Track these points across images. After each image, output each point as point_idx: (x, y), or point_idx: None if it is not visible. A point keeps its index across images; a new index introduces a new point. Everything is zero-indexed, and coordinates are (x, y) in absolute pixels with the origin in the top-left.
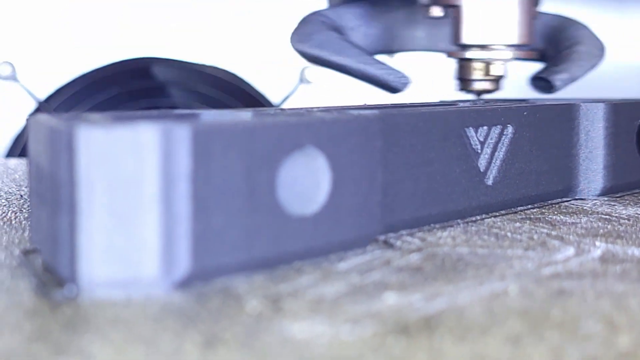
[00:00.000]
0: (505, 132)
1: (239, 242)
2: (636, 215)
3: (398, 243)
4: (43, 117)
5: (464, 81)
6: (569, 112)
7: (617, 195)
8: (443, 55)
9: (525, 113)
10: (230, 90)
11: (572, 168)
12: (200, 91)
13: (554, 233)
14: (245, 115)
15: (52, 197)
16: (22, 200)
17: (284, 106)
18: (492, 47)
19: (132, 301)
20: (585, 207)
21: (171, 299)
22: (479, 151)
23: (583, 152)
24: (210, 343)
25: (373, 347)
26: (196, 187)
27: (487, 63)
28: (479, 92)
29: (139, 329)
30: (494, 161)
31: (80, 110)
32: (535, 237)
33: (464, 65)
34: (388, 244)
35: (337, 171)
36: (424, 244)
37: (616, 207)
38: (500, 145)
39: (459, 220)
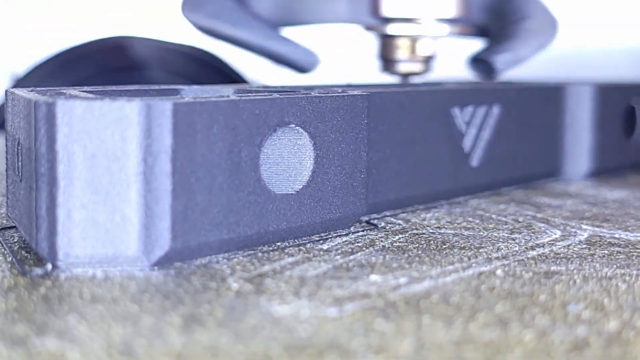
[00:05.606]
0: (490, 113)
1: (220, 220)
2: (621, 198)
3: (382, 224)
4: (21, 90)
5: (387, 61)
6: (555, 93)
7: (603, 178)
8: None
9: (511, 94)
10: (209, 70)
11: (557, 150)
12: (178, 71)
13: (539, 215)
14: (227, 91)
15: (30, 172)
16: None
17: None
18: (419, 21)
19: (111, 279)
20: (570, 190)
21: (151, 278)
22: (464, 132)
23: (569, 133)
24: (190, 323)
25: (359, 329)
26: (177, 164)
27: (414, 40)
28: (405, 75)
29: (118, 308)
30: (478, 142)
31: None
32: (521, 219)
33: (387, 43)
34: (371, 225)
35: (321, 149)
36: (408, 225)
37: (601, 189)
38: (485, 125)
39: (442, 201)
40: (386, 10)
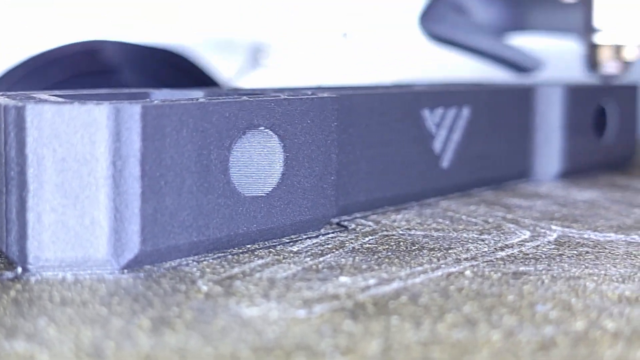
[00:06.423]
0: (460, 115)
1: (190, 222)
2: (591, 199)
3: (352, 225)
4: None
5: (594, 64)
6: (525, 94)
7: (573, 179)
8: (565, 37)
9: (481, 95)
10: (182, 73)
11: (528, 151)
12: (151, 74)
13: (509, 216)
14: (197, 94)
15: (0, 176)
16: None
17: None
18: (623, 32)
19: (81, 282)
20: (540, 191)
21: (121, 281)
22: (434, 133)
23: (539, 135)
24: (159, 326)
25: (327, 331)
26: (146, 167)
27: (618, 47)
28: (607, 76)
29: (88, 311)
30: (449, 143)
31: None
32: (491, 220)
33: (595, 49)
34: (342, 226)
35: (290, 152)
36: (378, 226)
37: (571, 190)
38: (455, 127)
39: (413, 203)
40: (597, 23)
